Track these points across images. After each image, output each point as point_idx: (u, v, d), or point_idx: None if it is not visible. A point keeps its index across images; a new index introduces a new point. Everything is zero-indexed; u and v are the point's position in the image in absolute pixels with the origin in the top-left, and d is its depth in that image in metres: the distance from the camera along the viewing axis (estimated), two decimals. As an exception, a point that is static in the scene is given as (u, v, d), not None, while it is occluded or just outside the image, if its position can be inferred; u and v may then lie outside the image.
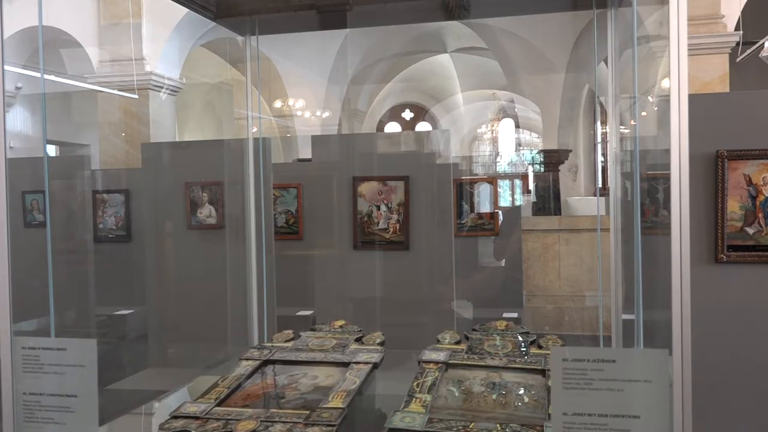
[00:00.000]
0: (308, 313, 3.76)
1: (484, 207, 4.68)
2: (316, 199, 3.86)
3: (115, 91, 6.90)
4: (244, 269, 2.76)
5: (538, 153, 11.70)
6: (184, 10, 2.05)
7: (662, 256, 1.27)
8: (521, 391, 1.67)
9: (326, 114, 11.85)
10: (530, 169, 12.38)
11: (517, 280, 4.88)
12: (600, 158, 13.99)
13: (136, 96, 6.86)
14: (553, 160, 10.99)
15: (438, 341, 2.01)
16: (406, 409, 1.55)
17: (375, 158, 3.73)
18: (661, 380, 1.22)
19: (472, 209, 4.62)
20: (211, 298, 3.39)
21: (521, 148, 17.72)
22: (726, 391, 2.25)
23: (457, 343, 2.00)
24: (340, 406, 1.56)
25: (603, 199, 2.79)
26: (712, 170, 2.26)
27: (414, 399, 1.60)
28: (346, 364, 1.84)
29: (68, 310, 3.89)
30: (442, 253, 3.51)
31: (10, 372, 1.38)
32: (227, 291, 3.28)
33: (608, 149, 2.06)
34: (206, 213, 3.55)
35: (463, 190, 4.60)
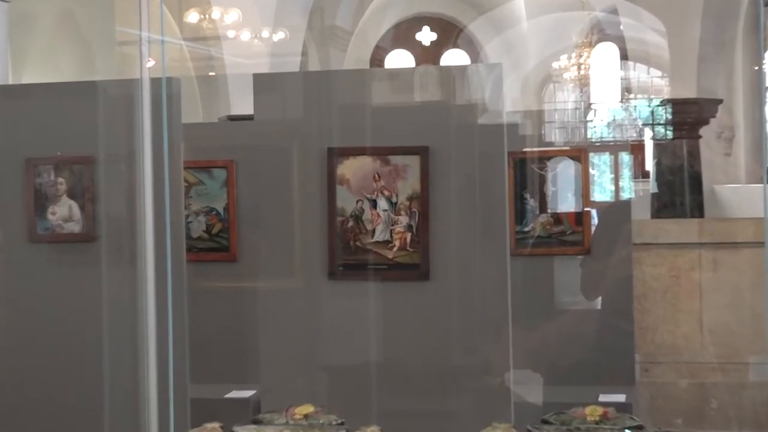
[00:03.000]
0: (248, 394, 3.79)
1: (565, 203, 4.70)
2: (263, 189, 3.88)
3: None
4: (133, 314, 2.77)
5: (661, 106, 11.73)
6: None
7: None
8: None
9: (279, 35, 11.89)
10: (647, 134, 12.43)
11: (624, 335, 4.90)
12: (773, 115, 14.05)
13: (-63, 4, 6.89)
14: (689, 118, 11.01)
15: (482, 442, 2.03)
16: None
17: (368, 115, 3.75)
18: None
19: (543, 207, 4.63)
20: (75, 365, 3.41)
21: (631, 96, 17.78)
22: None
23: (516, 444, 2.02)
24: None
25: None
26: None
27: None
28: (317, 483, 1.86)
29: None
30: (489, 285, 3.53)
31: None
32: (103, 353, 3.30)
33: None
34: (64, 213, 3.57)
35: (528, 173, 4.62)
